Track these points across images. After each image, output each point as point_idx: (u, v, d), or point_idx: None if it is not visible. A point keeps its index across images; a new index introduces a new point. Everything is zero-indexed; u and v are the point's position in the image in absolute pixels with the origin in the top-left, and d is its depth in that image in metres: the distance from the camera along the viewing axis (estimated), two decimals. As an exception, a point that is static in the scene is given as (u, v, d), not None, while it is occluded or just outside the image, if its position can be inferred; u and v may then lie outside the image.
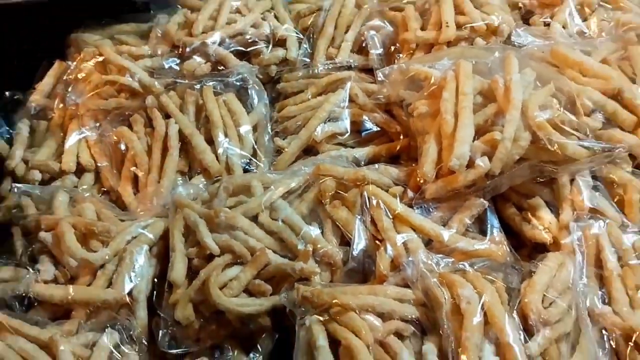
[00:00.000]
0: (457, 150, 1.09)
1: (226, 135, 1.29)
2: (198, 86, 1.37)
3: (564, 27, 1.36)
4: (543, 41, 1.31)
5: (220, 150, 1.27)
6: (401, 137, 1.30)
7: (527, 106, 1.11)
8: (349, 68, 1.43)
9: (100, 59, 1.43)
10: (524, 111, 1.11)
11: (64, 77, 1.45)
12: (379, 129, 1.33)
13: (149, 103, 1.35)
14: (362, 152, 1.29)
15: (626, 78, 1.21)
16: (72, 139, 1.35)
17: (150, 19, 1.55)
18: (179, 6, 1.54)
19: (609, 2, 1.40)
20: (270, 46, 1.46)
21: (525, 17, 1.47)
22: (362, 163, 1.28)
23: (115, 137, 1.33)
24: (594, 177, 1.15)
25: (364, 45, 1.46)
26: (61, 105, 1.42)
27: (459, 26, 1.35)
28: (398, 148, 1.29)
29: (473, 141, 1.11)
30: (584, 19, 1.38)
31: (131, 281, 1.08)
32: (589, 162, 1.12)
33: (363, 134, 1.33)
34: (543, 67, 1.22)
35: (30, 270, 1.12)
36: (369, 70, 1.43)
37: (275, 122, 1.38)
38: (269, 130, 1.35)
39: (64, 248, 1.10)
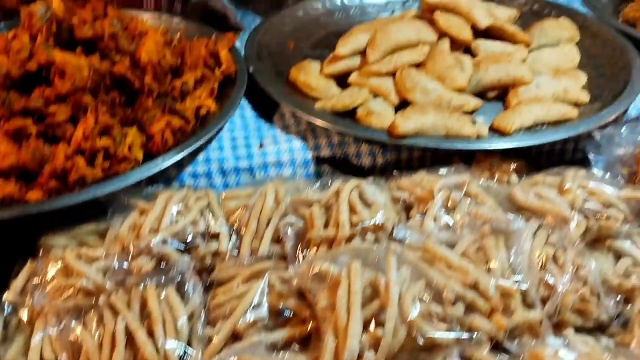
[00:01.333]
0: (349, 346, 1.15)
1: (164, 329, 1.32)
2: (143, 283, 1.41)
3: (435, 220, 1.45)
4: (418, 235, 1.40)
5: (159, 344, 1.29)
6: (311, 320, 1.34)
7: (402, 301, 1.19)
8: (269, 257, 1.49)
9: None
10: (401, 306, 1.18)
11: (33, 277, 1.48)
12: (293, 312, 1.38)
13: (100, 302, 1.38)
14: (278, 336, 1.32)
15: (482, 269, 1.30)
16: (37, 337, 1.36)
17: (108, 219, 1.61)
18: (134, 207, 1.60)
19: (470, 195, 1.51)
20: (206, 241, 1.53)
21: (407, 209, 1.56)
22: (279, 345, 1.31)
23: (72, 335, 1.35)
24: (462, 357, 1.21)
25: (281, 237, 1.53)
26: (30, 302, 1.44)
27: (353, 225, 1.44)
28: (308, 330, 1.33)
29: (363, 333, 1.17)
30: (450, 212, 1.47)
31: None
32: (455, 346, 1.18)
33: (280, 318, 1.37)
34: (417, 262, 1.30)
35: None
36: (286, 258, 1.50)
37: (208, 310, 1.42)
38: (202, 319, 1.38)
39: None
